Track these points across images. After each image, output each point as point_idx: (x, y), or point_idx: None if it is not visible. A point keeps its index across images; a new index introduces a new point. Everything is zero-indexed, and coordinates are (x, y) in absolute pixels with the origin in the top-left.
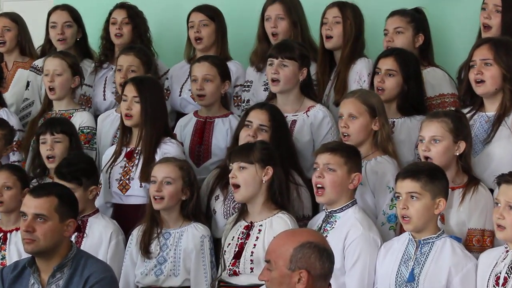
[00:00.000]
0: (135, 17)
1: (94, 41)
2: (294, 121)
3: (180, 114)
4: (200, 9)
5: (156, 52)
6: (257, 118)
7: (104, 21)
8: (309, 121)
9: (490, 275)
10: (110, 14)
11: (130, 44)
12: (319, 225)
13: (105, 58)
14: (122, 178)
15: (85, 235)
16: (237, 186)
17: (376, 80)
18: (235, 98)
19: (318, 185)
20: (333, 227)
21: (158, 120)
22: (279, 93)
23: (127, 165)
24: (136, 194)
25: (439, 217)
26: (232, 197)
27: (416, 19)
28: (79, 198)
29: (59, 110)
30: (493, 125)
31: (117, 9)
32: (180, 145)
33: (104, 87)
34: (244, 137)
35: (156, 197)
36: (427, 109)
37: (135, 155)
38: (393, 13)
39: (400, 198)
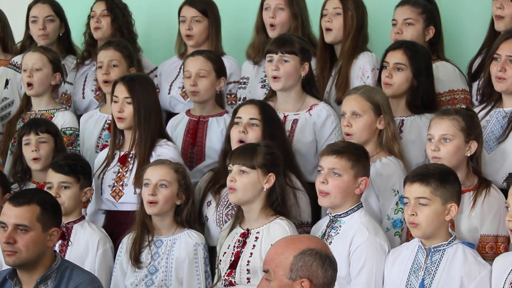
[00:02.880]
0: (115, 9)
1: (77, 38)
2: (295, 120)
3: (169, 114)
4: (192, 3)
5: (142, 48)
6: (246, 113)
7: (87, 16)
8: (312, 120)
9: (505, 281)
10: (91, 8)
11: (110, 37)
12: (323, 231)
13: (88, 55)
14: (115, 184)
15: (69, 243)
16: (234, 189)
17: (384, 74)
18: (228, 96)
19: (322, 192)
20: (338, 233)
21: (153, 121)
22: (280, 90)
23: (120, 170)
24: (130, 201)
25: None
26: (225, 203)
27: (428, 10)
28: (73, 196)
29: (38, 110)
30: (509, 121)
31: (97, 2)
32: (176, 148)
33: (84, 85)
34: (235, 134)
35: (150, 202)
36: (438, 107)
37: (129, 159)
38: (403, 3)
39: (408, 203)
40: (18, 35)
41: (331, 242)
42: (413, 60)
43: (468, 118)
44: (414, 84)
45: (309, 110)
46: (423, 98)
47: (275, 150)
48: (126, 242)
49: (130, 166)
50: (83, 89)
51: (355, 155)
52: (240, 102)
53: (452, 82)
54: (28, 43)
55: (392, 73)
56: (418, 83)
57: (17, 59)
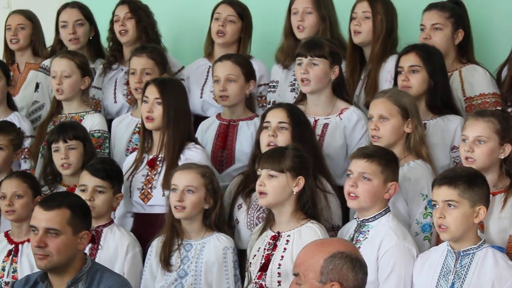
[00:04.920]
0: (138, 11)
1: (105, 42)
2: (326, 124)
3: (197, 118)
4: (231, 3)
5: (169, 49)
6: (275, 116)
7: (109, 21)
8: (342, 124)
9: None
10: (114, 13)
11: (136, 40)
12: (351, 235)
13: (114, 59)
14: (144, 187)
15: (100, 247)
16: (264, 194)
17: (400, 79)
18: (259, 99)
19: (351, 194)
20: (367, 237)
21: (182, 124)
22: (309, 93)
23: (149, 173)
24: (158, 204)
25: (479, 225)
26: (256, 206)
27: (456, 14)
28: (107, 201)
29: (69, 113)
30: None
31: (119, 6)
32: (204, 151)
33: (115, 90)
34: (265, 138)
35: (177, 207)
36: (459, 108)
37: (157, 162)
38: (431, 7)
39: (437, 206)
40: (48, 41)
41: (359, 247)
42: (426, 61)
43: (503, 120)
44: (431, 84)
45: (339, 114)
46: (442, 97)
47: (303, 152)
48: (156, 245)
49: (159, 169)
50: (114, 93)
51: (385, 160)
52: (270, 106)
53: (483, 86)
54: (59, 47)
55: (408, 76)
56: (435, 83)
57: (47, 62)
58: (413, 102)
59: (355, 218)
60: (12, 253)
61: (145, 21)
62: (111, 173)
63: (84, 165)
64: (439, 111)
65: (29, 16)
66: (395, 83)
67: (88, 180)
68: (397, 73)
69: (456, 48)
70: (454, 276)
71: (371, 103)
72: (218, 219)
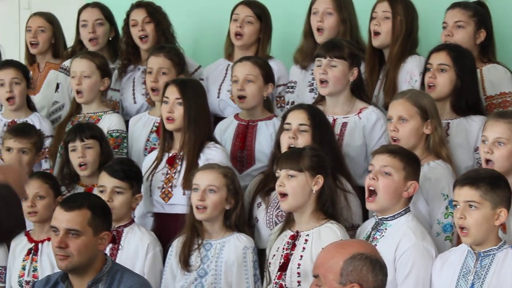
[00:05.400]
0: (156, 14)
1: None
2: (345, 124)
3: (216, 118)
4: (249, 4)
5: (190, 51)
6: (296, 118)
7: (123, 24)
8: (361, 124)
9: None
10: (128, 16)
11: (156, 43)
12: (368, 233)
13: (128, 62)
14: (164, 185)
15: (120, 246)
16: (284, 195)
17: (427, 76)
18: (277, 99)
19: (370, 188)
20: (383, 236)
21: (202, 124)
22: (328, 95)
23: (169, 172)
24: (179, 203)
25: (500, 226)
26: (275, 205)
27: (479, 13)
28: (126, 202)
29: (87, 113)
30: None
31: (135, 9)
32: (224, 150)
33: (133, 90)
34: (285, 140)
35: (198, 207)
36: (484, 109)
37: (177, 161)
38: (454, 5)
39: (458, 206)
40: (69, 41)
41: (375, 245)
42: (457, 61)
43: None
44: (458, 85)
45: (358, 113)
46: (467, 100)
47: (321, 152)
48: (176, 245)
49: (179, 168)
50: (133, 93)
51: (408, 158)
52: (288, 107)
53: (503, 85)
54: (79, 48)
55: (436, 74)
56: (462, 84)
57: (67, 63)
58: (433, 103)
59: (374, 216)
60: (32, 251)
61: (163, 24)
62: (129, 174)
63: (100, 165)
64: (463, 112)
65: (50, 19)
66: (423, 80)
67: (107, 181)
68: (425, 69)
69: (478, 47)
70: (474, 277)
71: (390, 104)
72: (239, 219)
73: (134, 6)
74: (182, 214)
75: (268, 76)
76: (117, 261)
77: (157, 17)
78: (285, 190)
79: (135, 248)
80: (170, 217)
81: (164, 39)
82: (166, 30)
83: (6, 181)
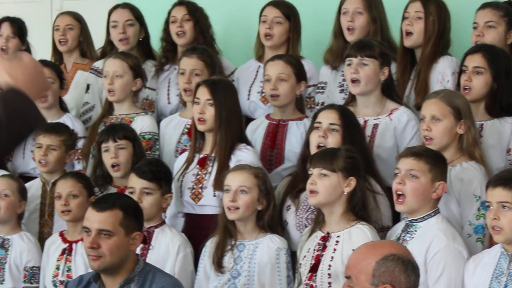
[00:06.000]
0: (196, 13)
1: (154, 43)
2: (376, 125)
3: (246, 120)
4: (277, 4)
5: (221, 49)
6: (327, 117)
7: (164, 22)
8: (393, 125)
9: None
10: (169, 13)
11: (193, 42)
12: (398, 235)
13: (166, 60)
14: (195, 186)
15: (150, 247)
16: (315, 192)
17: (463, 78)
18: (307, 100)
19: (398, 192)
20: (413, 237)
21: (233, 125)
22: (359, 94)
23: (199, 172)
24: (209, 204)
25: None
26: (305, 207)
27: (510, 14)
28: (155, 203)
29: (119, 114)
30: None
31: (176, 7)
32: (256, 152)
33: (168, 90)
34: (314, 139)
35: (230, 208)
36: None
37: (208, 162)
38: (485, 6)
39: (491, 207)
40: (100, 41)
41: (407, 247)
42: (492, 64)
43: None
44: (494, 87)
45: (389, 114)
46: (502, 101)
47: (355, 154)
48: (209, 246)
49: (209, 169)
50: (168, 94)
51: (433, 159)
52: (318, 107)
53: None
54: (109, 48)
55: (472, 77)
56: (498, 87)
57: (98, 64)
58: (466, 103)
59: (404, 218)
60: (66, 252)
61: (202, 23)
62: (158, 174)
63: (133, 166)
64: (496, 113)
65: (77, 17)
66: (458, 82)
67: (135, 182)
68: (461, 71)
69: (509, 48)
70: (507, 278)
71: (423, 103)
72: (272, 220)
73: (175, 4)
74: (212, 215)
75: (300, 74)
76: (148, 261)
77: (197, 16)
78: (316, 189)
79: (166, 249)
80: (200, 218)
81: (203, 38)
82: (206, 30)
83: (15, 84)
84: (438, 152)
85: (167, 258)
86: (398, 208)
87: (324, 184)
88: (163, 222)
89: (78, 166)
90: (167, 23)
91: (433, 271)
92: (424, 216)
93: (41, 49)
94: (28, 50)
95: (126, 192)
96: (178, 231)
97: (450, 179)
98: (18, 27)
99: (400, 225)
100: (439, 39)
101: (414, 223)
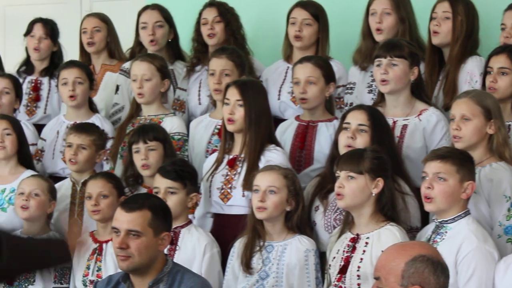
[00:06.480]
0: (227, 14)
1: (184, 43)
2: (405, 126)
3: (276, 120)
4: (305, 5)
5: (252, 50)
6: (355, 118)
7: (195, 22)
8: (422, 125)
9: None
10: (200, 14)
11: (224, 43)
12: (428, 237)
13: (197, 61)
14: (224, 186)
15: (177, 247)
16: (342, 195)
17: (488, 80)
18: (337, 100)
19: (427, 197)
20: (444, 239)
21: (263, 125)
22: (388, 93)
23: (229, 173)
24: (238, 204)
25: None
26: (334, 208)
27: None
28: (179, 202)
29: (148, 115)
30: None
31: (207, 8)
32: (285, 153)
33: (199, 91)
34: (343, 140)
35: (259, 208)
36: None
37: (237, 162)
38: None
39: None
40: (130, 42)
41: (436, 249)
42: None
43: None
44: None
45: (418, 115)
46: None
47: (382, 154)
48: (238, 246)
49: (239, 169)
50: (199, 95)
51: (460, 160)
52: (347, 107)
53: None
54: (138, 49)
55: (497, 77)
56: None
57: (127, 65)
58: (496, 103)
59: (434, 220)
60: (97, 251)
61: (233, 25)
62: (182, 174)
63: None
64: None
65: (104, 19)
66: (484, 83)
67: (160, 182)
68: (486, 72)
69: None
70: None
71: (453, 103)
72: (300, 221)
73: (206, 5)
74: (241, 215)
75: (329, 76)
76: (175, 261)
77: (228, 17)
78: (343, 192)
79: (192, 249)
80: (229, 218)
81: (234, 39)
82: (236, 31)
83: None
84: (464, 152)
85: (193, 258)
86: (428, 208)
87: (352, 187)
88: (189, 222)
89: (107, 167)
90: (198, 23)
91: (463, 273)
92: (455, 218)
93: (70, 50)
94: (59, 51)
95: (153, 193)
96: (205, 231)
97: (479, 179)
98: (51, 28)
99: (430, 227)
100: (467, 39)
101: (445, 225)
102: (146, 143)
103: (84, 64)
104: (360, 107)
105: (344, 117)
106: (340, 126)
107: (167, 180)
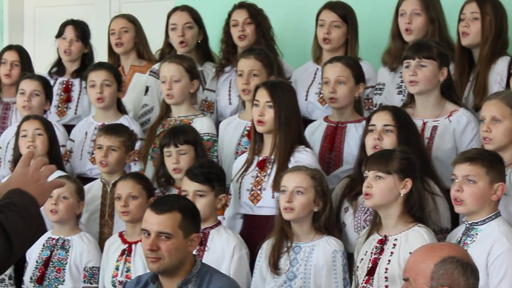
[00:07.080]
0: (257, 16)
1: (213, 44)
2: (435, 127)
3: (304, 121)
4: (333, 7)
5: (281, 51)
6: (380, 119)
7: (224, 23)
8: (452, 127)
9: None
10: (230, 15)
11: (255, 44)
12: (459, 238)
13: (227, 62)
14: (254, 188)
15: (206, 248)
16: (370, 195)
17: None
18: (365, 101)
19: (457, 200)
20: (474, 241)
21: (293, 127)
22: (417, 94)
23: (259, 174)
24: (267, 205)
25: None
26: (363, 209)
27: None
28: (208, 204)
29: (178, 117)
30: None
31: (237, 10)
32: (314, 154)
33: (229, 91)
34: (370, 142)
35: (286, 208)
36: None
37: (267, 164)
38: None
39: None
40: (159, 43)
41: (467, 250)
42: None
43: None
44: None
45: (448, 116)
46: None
47: (410, 155)
48: (265, 248)
49: (269, 171)
50: (229, 95)
51: (489, 161)
52: (375, 109)
53: None
54: (168, 50)
55: None
56: None
57: (157, 66)
58: None
59: (464, 222)
60: (126, 252)
61: (263, 26)
62: (209, 176)
63: None
64: None
65: (132, 19)
66: (508, 85)
67: (188, 185)
68: (509, 75)
69: None
70: None
71: (484, 104)
72: (328, 222)
73: (236, 7)
74: (271, 216)
75: (359, 76)
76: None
77: (258, 19)
78: (371, 192)
79: (221, 250)
80: (259, 219)
81: (264, 41)
82: (266, 32)
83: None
84: (494, 153)
85: (222, 259)
86: (458, 210)
87: (380, 187)
88: (218, 223)
89: (135, 168)
90: (227, 25)
91: (494, 275)
92: (485, 219)
93: (99, 51)
94: (90, 52)
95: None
96: (234, 232)
97: (510, 181)
98: (82, 30)
99: (461, 229)
100: (496, 39)
101: (475, 226)
102: (177, 146)
103: (112, 66)
104: (384, 108)
105: (369, 119)
106: (365, 129)
107: (195, 184)
